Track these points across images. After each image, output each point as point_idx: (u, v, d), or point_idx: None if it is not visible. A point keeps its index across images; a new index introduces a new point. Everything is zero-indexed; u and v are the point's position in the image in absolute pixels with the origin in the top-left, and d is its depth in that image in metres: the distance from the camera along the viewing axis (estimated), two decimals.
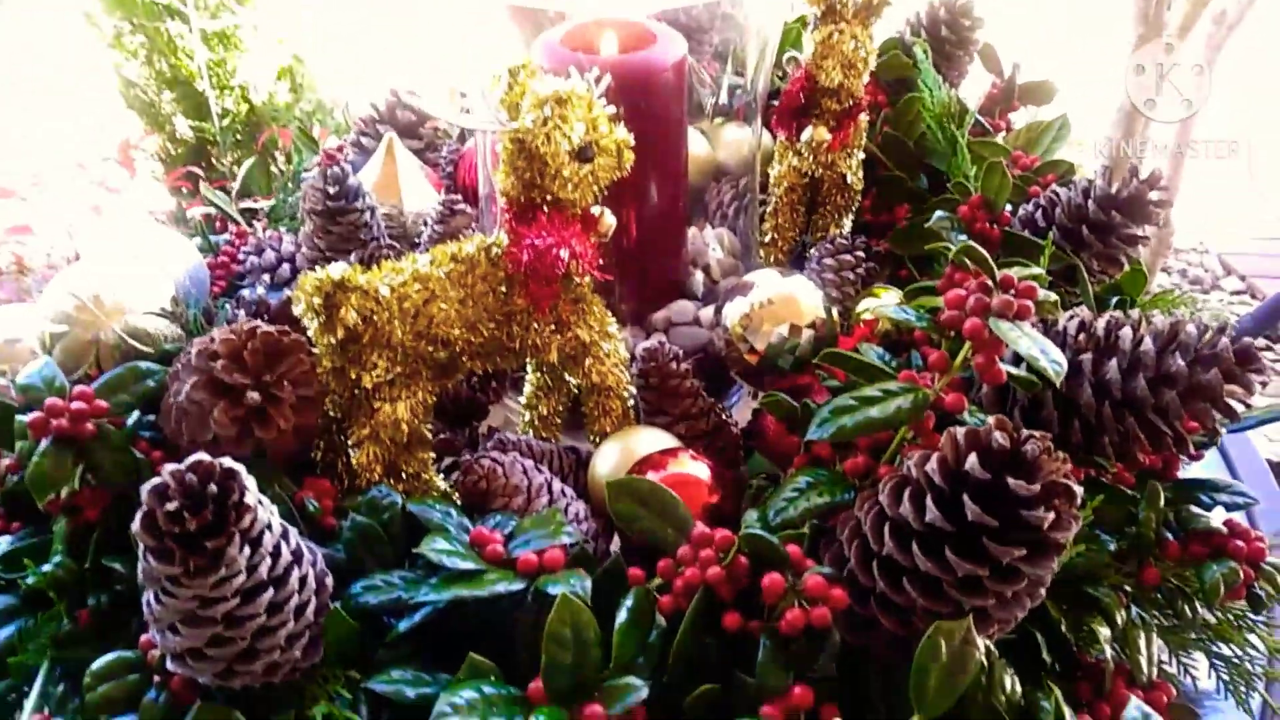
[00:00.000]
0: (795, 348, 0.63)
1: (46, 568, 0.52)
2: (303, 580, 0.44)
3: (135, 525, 0.39)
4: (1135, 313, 0.55)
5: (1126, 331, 0.54)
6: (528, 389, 0.64)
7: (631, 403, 0.63)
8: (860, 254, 0.73)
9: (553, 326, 0.57)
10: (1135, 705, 0.46)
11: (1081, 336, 0.55)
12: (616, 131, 0.55)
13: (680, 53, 0.66)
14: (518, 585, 0.46)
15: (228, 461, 0.40)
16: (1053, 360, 0.45)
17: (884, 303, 0.64)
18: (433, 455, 0.57)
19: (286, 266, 0.79)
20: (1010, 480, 0.40)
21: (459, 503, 0.55)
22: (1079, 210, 0.69)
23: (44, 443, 0.51)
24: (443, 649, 0.47)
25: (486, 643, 0.46)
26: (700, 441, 0.64)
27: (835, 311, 0.66)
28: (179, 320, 0.60)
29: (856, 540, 0.45)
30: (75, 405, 0.52)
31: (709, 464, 0.56)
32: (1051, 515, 0.40)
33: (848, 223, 0.79)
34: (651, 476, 0.54)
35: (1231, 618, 0.57)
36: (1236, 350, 0.52)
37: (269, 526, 0.42)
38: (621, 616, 0.45)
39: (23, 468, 0.58)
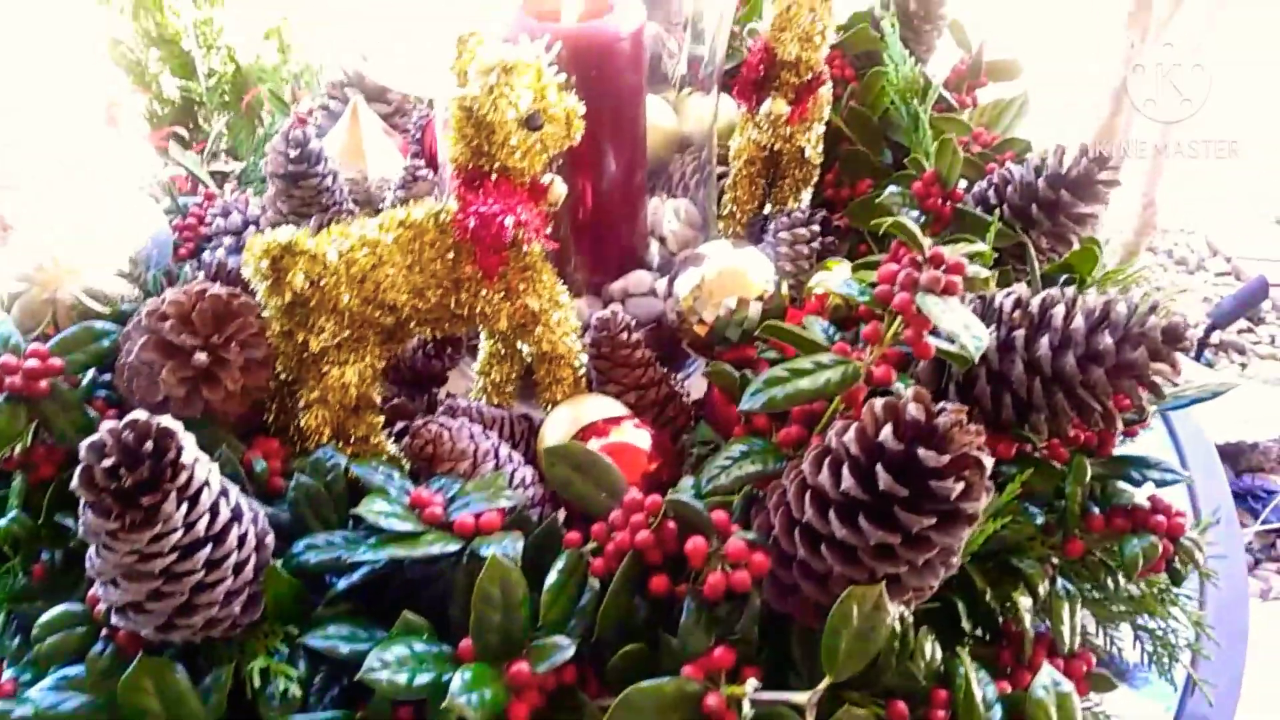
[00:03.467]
0: (744, 320, 0.64)
1: (1, 523, 0.54)
2: (242, 538, 0.45)
3: (74, 481, 0.40)
4: (1069, 291, 0.57)
5: (1059, 310, 0.55)
6: (481, 356, 0.65)
7: (583, 371, 0.64)
8: (815, 228, 0.74)
9: (502, 294, 0.58)
10: (1048, 673, 0.47)
11: (1016, 313, 0.56)
12: (566, 100, 0.55)
13: (638, 21, 0.66)
14: (453, 546, 0.47)
15: (166, 420, 0.42)
16: (974, 336, 0.46)
17: (833, 277, 0.65)
18: (382, 420, 0.59)
19: (251, 229, 0.79)
20: (921, 451, 0.41)
21: (406, 466, 0.57)
22: (1029, 188, 0.70)
23: None
24: (381, 608, 0.48)
25: (424, 602, 0.47)
26: (650, 411, 0.65)
27: (785, 285, 0.67)
28: (137, 281, 0.61)
29: (781, 508, 0.47)
30: (29, 364, 0.53)
31: (651, 432, 0.57)
32: (960, 486, 0.42)
33: (807, 196, 0.80)
34: (593, 443, 0.56)
35: (1155, 591, 0.59)
36: (1165, 329, 0.54)
37: (207, 484, 0.43)
38: (551, 578, 0.47)
39: None
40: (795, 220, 0.74)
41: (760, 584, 0.46)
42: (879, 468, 0.42)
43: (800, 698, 0.43)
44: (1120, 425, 0.57)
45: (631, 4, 0.67)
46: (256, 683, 0.44)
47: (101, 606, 0.47)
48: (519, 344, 0.64)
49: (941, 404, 0.43)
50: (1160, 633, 0.60)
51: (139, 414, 0.41)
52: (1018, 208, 0.71)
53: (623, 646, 0.46)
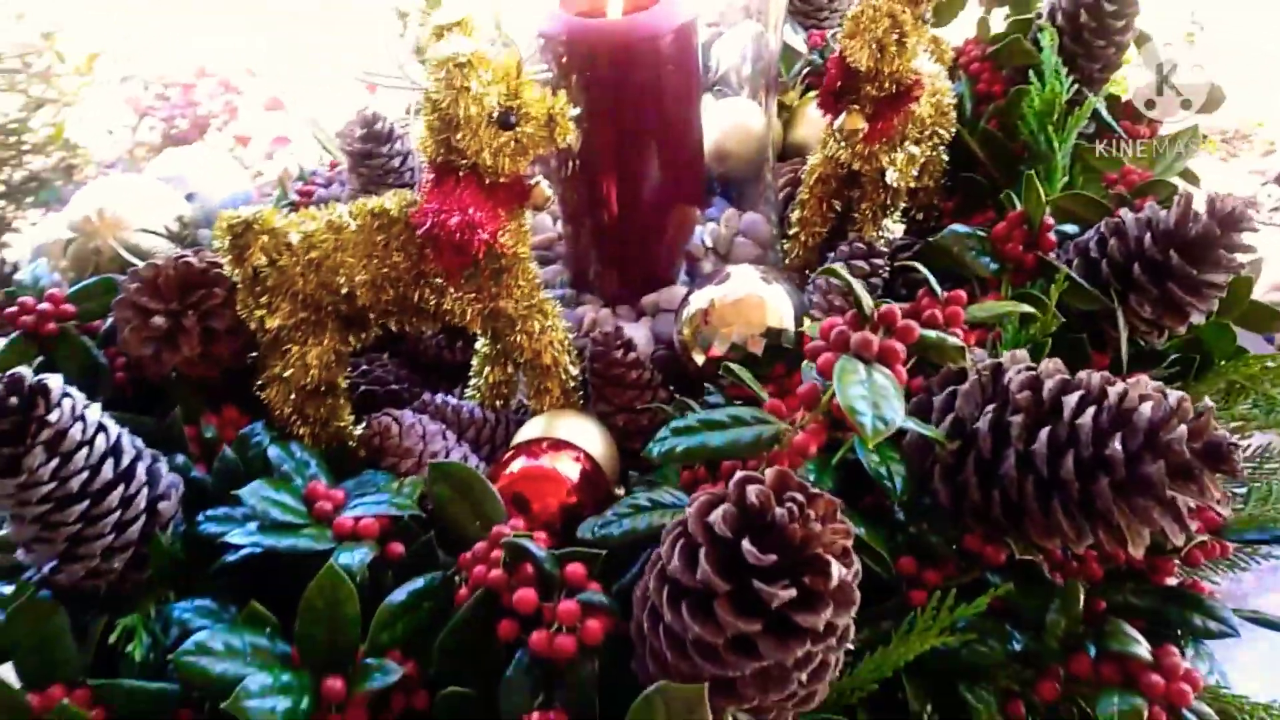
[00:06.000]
0: (744, 355, 0.58)
1: None
2: (128, 500, 0.47)
3: None
4: (1097, 379, 0.46)
5: (1073, 398, 0.45)
6: (476, 357, 0.64)
7: (573, 384, 0.61)
8: (879, 262, 0.65)
9: (473, 295, 0.56)
10: None
11: (1024, 395, 0.47)
12: (548, 100, 0.52)
13: (687, 16, 0.61)
14: (322, 545, 0.47)
15: (49, 378, 0.44)
16: (877, 417, 0.38)
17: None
18: (347, 404, 0.59)
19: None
20: (743, 544, 0.35)
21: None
22: (1135, 244, 0.58)
23: (11, 335, 0.58)
24: (264, 593, 0.49)
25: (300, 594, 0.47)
26: (639, 438, 0.61)
27: (808, 324, 0.60)
28: (179, 241, 0.65)
29: (642, 574, 0.42)
30: (42, 306, 0.58)
31: (586, 468, 0.53)
32: (787, 593, 0.35)
33: (892, 225, 0.71)
34: (519, 462, 0.53)
35: None
36: (1204, 444, 0.42)
37: (89, 445, 0.45)
38: (397, 597, 0.45)
39: None
40: (855, 251, 0.66)
41: (596, 651, 0.41)
42: (700, 554, 0.36)
43: None
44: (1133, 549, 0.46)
45: None
46: (115, 640, 0.46)
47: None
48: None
49: (800, 490, 0.36)
50: None
51: (18, 370, 0.43)
52: (1119, 267, 0.59)
53: (461, 684, 0.43)
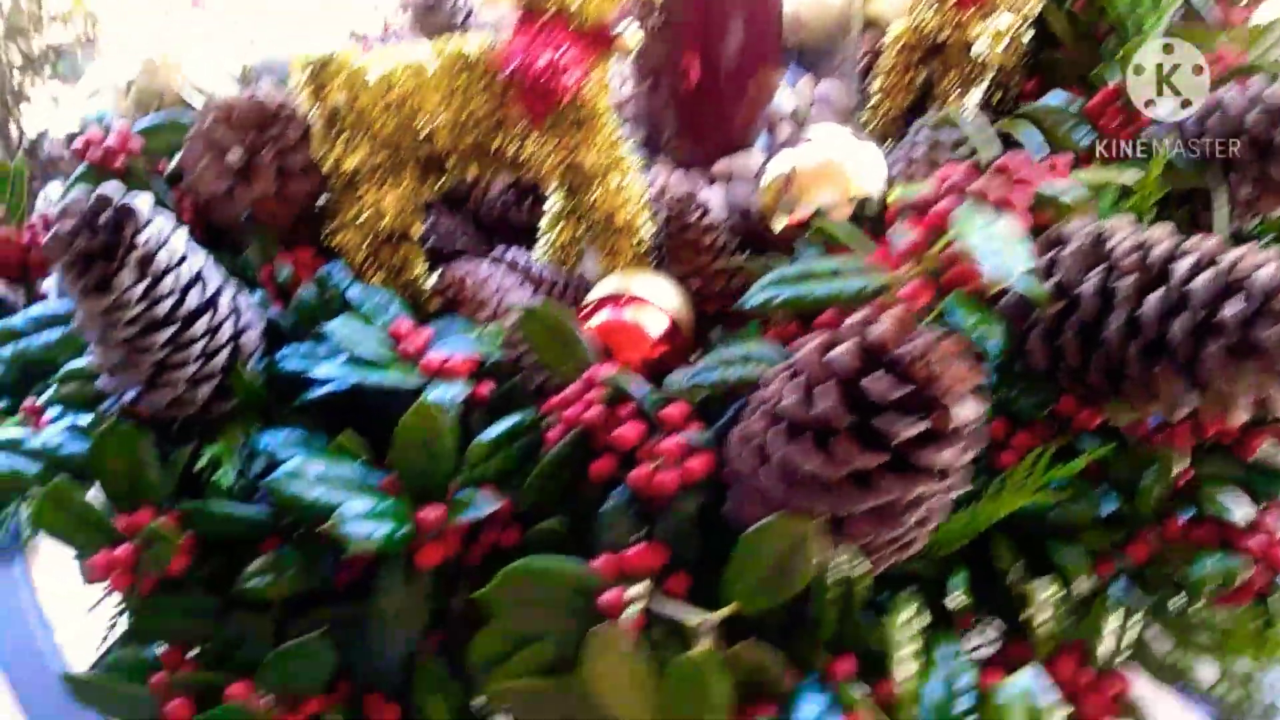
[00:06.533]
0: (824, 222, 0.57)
1: None
2: (214, 329, 0.46)
3: (45, 241, 0.42)
4: (1212, 243, 0.45)
5: (1185, 263, 0.44)
6: (547, 214, 0.63)
7: (644, 247, 0.60)
8: (961, 135, 0.63)
9: (553, 144, 0.55)
10: (1027, 677, 0.39)
11: (1131, 258, 0.45)
12: None
13: None
14: (411, 382, 0.46)
15: (138, 197, 0.43)
16: (1005, 261, 0.37)
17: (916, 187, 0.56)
18: (421, 253, 0.58)
19: None
20: (865, 380, 0.34)
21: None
22: (1238, 121, 0.56)
23: (79, 168, 0.56)
24: (344, 426, 0.48)
25: (384, 432, 0.47)
26: (714, 303, 0.60)
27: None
28: (246, 83, 0.63)
29: (737, 420, 0.41)
30: (110, 141, 0.56)
31: (670, 320, 0.52)
32: (912, 429, 0.34)
33: (974, 98, 0.68)
34: (603, 314, 0.52)
35: (1251, 629, 0.48)
36: None
37: (176, 269, 0.44)
38: (490, 433, 0.44)
39: None
40: (939, 122, 0.64)
41: (697, 489, 0.41)
42: (817, 390, 0.36)
43: (695, 618, 0.38)
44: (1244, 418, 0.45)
45: None
46: (204, 466, 0.46)
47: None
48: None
49: (927, 330, 0.36)
50: (1246, 679, 0.48)
51: (106, 188, 0.42)
52: (1217, 145, 0.57)
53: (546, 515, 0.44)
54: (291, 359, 0.49)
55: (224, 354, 0.47)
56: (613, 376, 0.42)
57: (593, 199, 0.57)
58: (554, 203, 0.62)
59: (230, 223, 0.56)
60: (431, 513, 0.42)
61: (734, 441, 0.41)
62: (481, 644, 0.39)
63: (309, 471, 0.42)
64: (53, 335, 0.53)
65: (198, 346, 0.46)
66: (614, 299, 0.53)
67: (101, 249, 0.42)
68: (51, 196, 0.64)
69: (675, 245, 0.59)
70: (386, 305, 0.51)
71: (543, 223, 0.64)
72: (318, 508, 0.41)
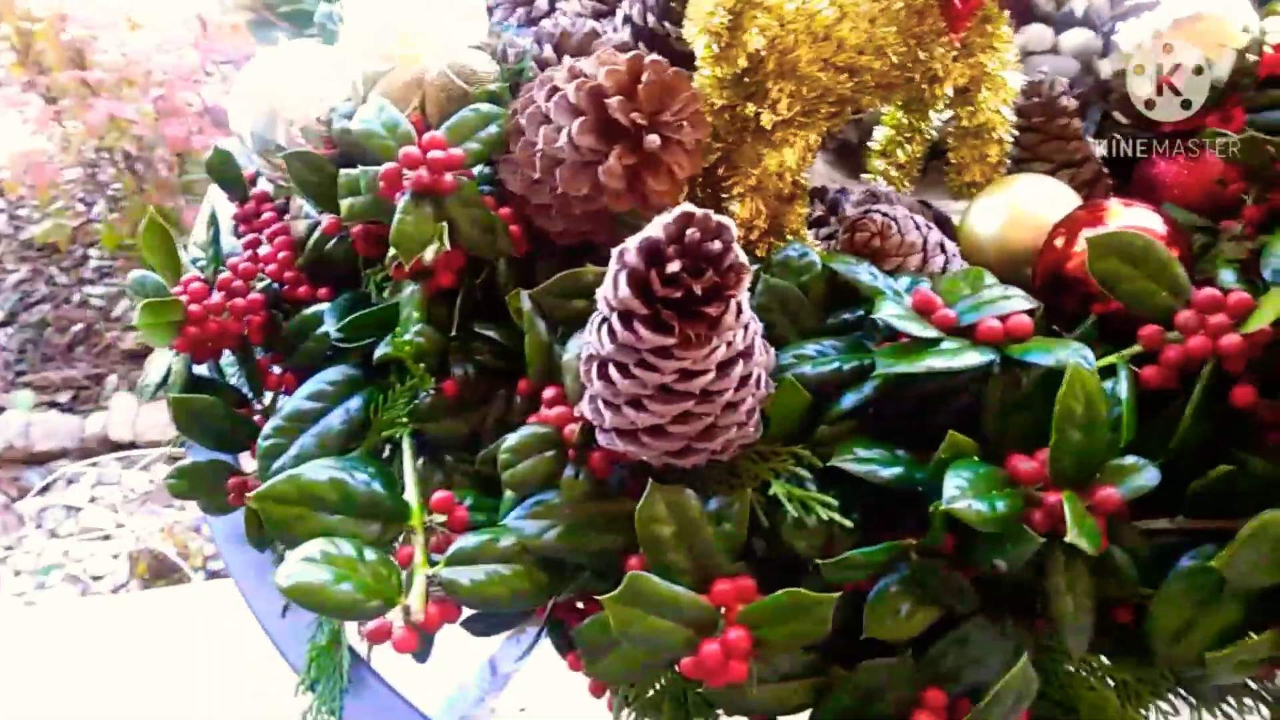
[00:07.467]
0: (1209, 79, 0.53)
1: (407, 336, 0.48)
2: (762, 348, 0.38)
3: (610, 291, 0.33)
4: None
5: None
6: (882, 134, 0.56)
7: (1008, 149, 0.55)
8: None
9: (957, 51, 0.48)
10: None
11: None
12: None
13: None
14: (988, 356, 0.40)
15: (714, 214, 0.34)
16: None
17: None
18: (807, 210, 0.50)
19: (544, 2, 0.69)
20: None
21: None
22: None
23: (403, 198, 0.45)
24: (884, 427, 0.42)
25: (939, 420, 0.41)
26: (1080, 193, 0.55)
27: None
28: (497, 56, 0.52)
29: None
30: (432, 155, 0.45)
31: (1154, 210, 0.47)
32: None
33: None
34: (1113, 223, 0.46)
35: None
36: None
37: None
38: (1123, 393, 0.39)
39: (344, 228, 0.52)
40: None
41: None
42: None
43: None
44: None
45: None
46: (790, 510, 0.39)
47: (573, 428, 0.41)
48: (923, 124, 0.55)
49: None
50: None
51: (689, 207, 0.33)
52: None
53: (1195, 471, 0.39)
54: (805, 363, 0.41)
55: (765, 375, 0.39)
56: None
57: (979, 104, 0.51)
58: (890, 120, 0.55)
59: (577, 230, 0.47)
60: (1108, 494, 0.37)
61: None
62: None
63: (963, 482, 0.36)
64: None
65: (755, 374, 0.38)
66: (1088, 211, 0.47)
67: (714, 288, 0.33)
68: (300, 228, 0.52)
69: (1038, 138, 0.54)
70: (874, 275, 0.44)
71: (874, 148, 0.57)
72: (994, 520, 0.35)
